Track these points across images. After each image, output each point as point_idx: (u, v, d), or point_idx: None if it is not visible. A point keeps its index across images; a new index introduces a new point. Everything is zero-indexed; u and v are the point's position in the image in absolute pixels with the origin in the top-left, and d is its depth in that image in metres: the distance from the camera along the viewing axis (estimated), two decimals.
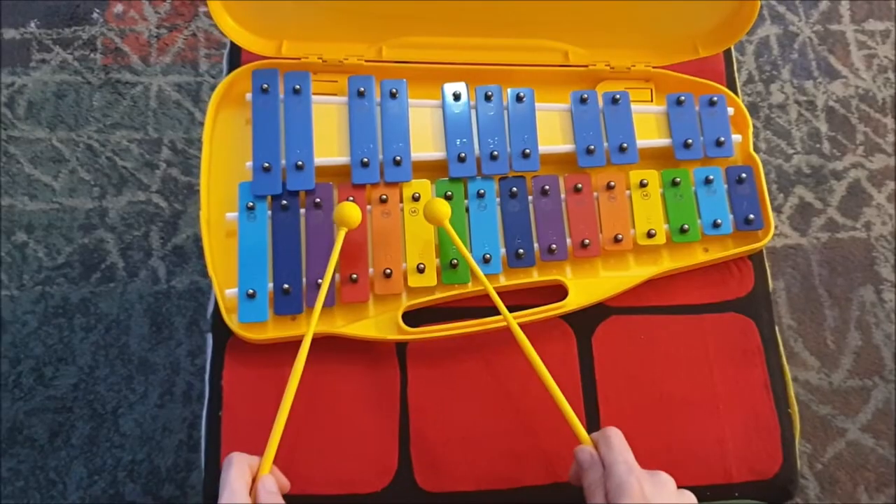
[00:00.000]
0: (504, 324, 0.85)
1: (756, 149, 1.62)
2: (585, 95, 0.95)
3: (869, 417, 1.46)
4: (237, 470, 0.69)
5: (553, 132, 0.95)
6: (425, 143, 0.94)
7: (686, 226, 0.90)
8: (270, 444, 0.72)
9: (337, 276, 0.87)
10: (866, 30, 1.78)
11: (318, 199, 0.89)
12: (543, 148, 0.94)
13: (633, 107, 0.96)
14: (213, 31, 1.74)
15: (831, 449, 1.44)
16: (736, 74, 1.03)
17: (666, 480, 0.70)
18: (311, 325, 0.78)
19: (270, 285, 0.86)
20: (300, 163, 0.89)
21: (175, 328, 1.48)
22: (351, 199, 0.89)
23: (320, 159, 0.91)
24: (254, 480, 0.70)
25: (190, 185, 1.59)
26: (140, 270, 1.53)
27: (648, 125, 0.96)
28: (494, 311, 0.86)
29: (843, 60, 1.76)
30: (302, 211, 0.89)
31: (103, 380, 1.45)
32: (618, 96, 0.95)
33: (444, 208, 0.85)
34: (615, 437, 0.73)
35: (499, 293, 0.88)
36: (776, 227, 1.59)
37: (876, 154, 1.67)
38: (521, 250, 0.89)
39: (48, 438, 1.41)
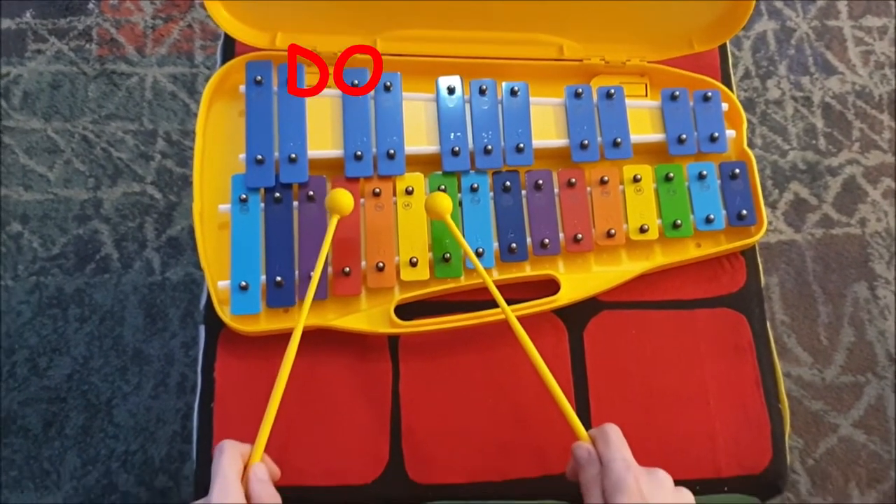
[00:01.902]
0: (496, 318, 0.86)
1: (752, 144, 1.63)
2: (580, 90, 0.95)
3: (861, 413, 1.47)
4: (229, 457, 0.69)
5: (547, 127, 0.95)
6: (419, 136, 0.93)
7: (679, 221, 0.90)
8: (262, 433, 0.72)
9: (329, 269, 0.87)
10: (863, 26, 1.78)
11: (311, 192, 0.89)
12: (537, 142, 0.94)
13: (628, 101, 0.96)
14: (209, 22, 1.74)
15: (823, 444, 1.45)
16: (731, 70, 1.03)
17: (664, 478, 0.70)
18: (303, 314, 0.78)
19: (263, 278, 0.86)
20: (293, 155, 0.89)
21: (169, 319, 1.49)
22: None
23: (314, 152, 0.91)
24: (245, 468, 0.70)
25: (185, 176, 1.59)
26: (134, 262, 1.53)
27: (642, 120, 0.96)
28: (486, 305, 0.87)
29: (840, 56, 1.76)
30: (295, 203, 0.89)
31: (97, 370, 1.45)
32: (612, 91, 0.95)
33: (445, 202, 0.85)
34: (613, 434, 0.73)
35: None
36: (771, 223, 1.59)
37: (872, 150, 1.67)
38: (513, 244, 0.89)
39: (42, 428, 1.42)
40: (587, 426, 0.81)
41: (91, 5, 1.76)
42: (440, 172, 0.92)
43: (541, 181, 0.91)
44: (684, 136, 0.94)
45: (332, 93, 0.94)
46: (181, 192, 1.58)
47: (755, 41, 1.76)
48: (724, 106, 0.96)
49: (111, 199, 1.58)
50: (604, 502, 0.69)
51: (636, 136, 0.94)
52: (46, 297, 1.50)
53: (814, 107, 1.70)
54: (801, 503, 1.40)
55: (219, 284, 0.86)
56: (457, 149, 0.91)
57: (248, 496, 0.68)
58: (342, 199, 0.84)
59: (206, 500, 0.66)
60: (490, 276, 0.88)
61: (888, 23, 1.79)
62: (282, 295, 0.86)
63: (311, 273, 0.85)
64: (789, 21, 1.78)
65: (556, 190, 0.92)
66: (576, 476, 0.75)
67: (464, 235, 0.89)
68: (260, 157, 0.89)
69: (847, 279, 1.56)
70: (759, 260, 0.94)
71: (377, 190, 0.90)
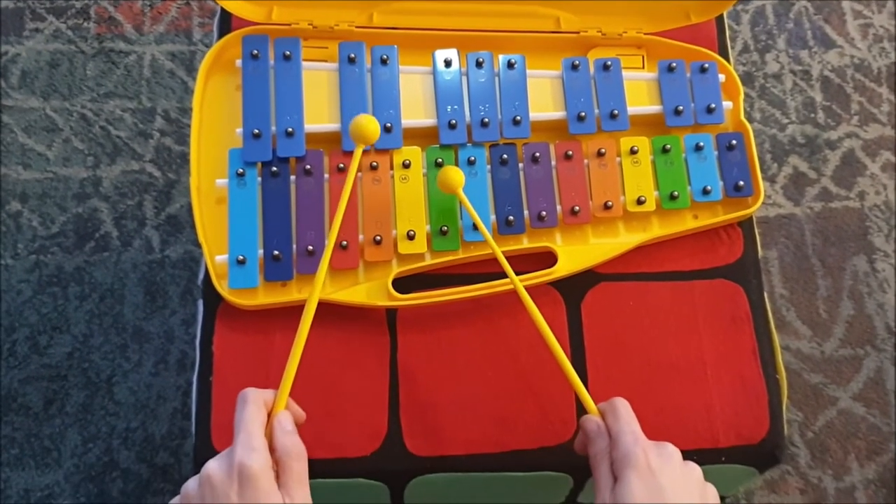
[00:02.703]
0: (494, 290, 0.86)
1: (751, 118, 1.63)
2: (577, 62, 0.95)
3: (860, 386, 1.47)
4: (253, 407, 0.67)
5: (544, 99, 0.95)
6: (416, 109, 0.93)
7: (676, 192, 0.90)
8: (286, 378, 0.71)
9: (326, 242, 0.87)
10: None
11: (308, 166, 0.89)
12: (534, 115, 0.94)
13: (625, 73, 0.95)
14: None
15: (822, 417, 1.45)
16: (728, 41, 1.03)
17: (672, 452, 0.70)
18: (322, 271, 0.77)
19: (260, 252, 0.86)
20: (290, 129, 0.89)
21: (169, 297, 1.49)
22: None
23: (310, 126, 0.91)
24: (269, 416, 0.69)
25: (183, 154, 1.59)
26: (134, 240, 1.53)
27: (639, 92, 0.96)
28: (484, 278, 0.87)
29: (838, 30, 1.75)
30: (292, 178, 0.89)
31: (98, 348, 1.45)
32: (609, 63, 0.95)
33: (458, 176, 0.84)
34: (622, 408, 0.73)
35: (488, 260, 0.88)
36: (769, 197, 1.59)
37: (870, 124, 1.66)
38: (511, 217, 0.89)
39: (43, 406, 1.42)
40: (604, 401, 0.81)
41: None
42: (437, 146, 0.92)
43: (538, 154, 0.91)
44: (681, 108, 0.93)
45: (328, 66, 0.94)
46: (180, 169, 1.58)
47: (754, 15, 1.76)
48: (721, 77, 0.96)
49: (110, 177, 1.58)
50: (612, 475, 0.69)
51: (633, 108, 0.94)
52: (46, 275, 1.50)
53: (812, 80, 1.70)
54: (800, 475, 1.41)
55: (216, 259, 0.86)
56: (454, 122, 0.91)
57: (272, 447, 0.66)
58: (369, 125, 0.82)
59: (229, 454, 0.65)
60: (487, 250, 0.89)
61: None
62: (279, 268, 0.86)
63: (309, 247, 0.85)
64: None
65: (553, 162, 0.92)
66: (584, 449, 0.75)
67: (461, 209, 0.89)
68: (257, 131, 0.89)
69: (846, 252, 1.56)
70: (757, 231, 0.94)
71: (374, 163, 0.90)
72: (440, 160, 0.90)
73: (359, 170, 0.90)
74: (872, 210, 1.59)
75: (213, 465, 0.64)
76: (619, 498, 0.67)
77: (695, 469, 0.70)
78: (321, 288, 0.76)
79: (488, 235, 0.83)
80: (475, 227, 0.87)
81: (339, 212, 0.79)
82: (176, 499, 0.66)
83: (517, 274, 0.86)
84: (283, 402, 0.70)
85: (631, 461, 0.68)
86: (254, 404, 0.68)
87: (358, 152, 0.83)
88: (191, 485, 0.65)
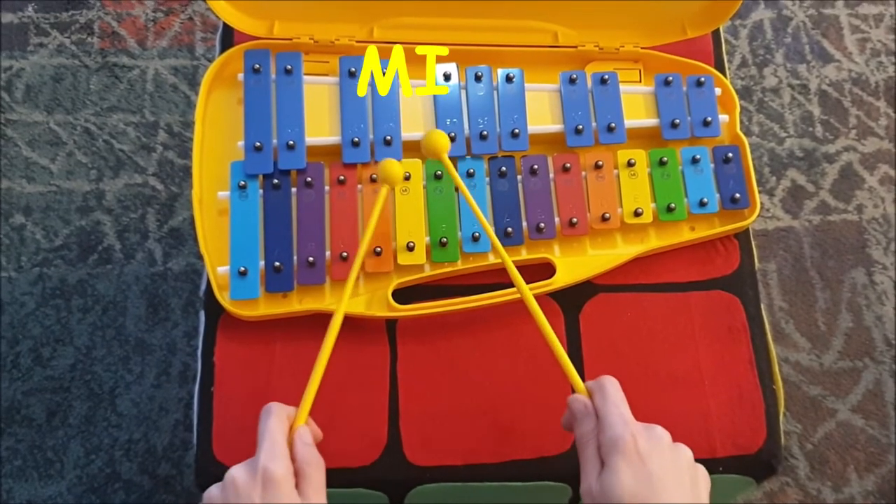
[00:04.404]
0: (492, 301, 0.87)
1: (749, 132, 1.64)
2: (574, 76, 0.96)
3: (859, 398, 1.47)
4: (276, 419, 0.70)
5: (542, 112, 0.96)
6: (416, 123, 0.94)
7: (673, 204, 0.91)
8: (307, 395, 0.73)
9: (327, 253, 0.88)
10: (860, 14, 1.79)
11: (309, 178, 0.90)
12: (532, 128, 0.94)
13: (622, 87, 0.96)
14: (210, 14, 1.75)
15: (821, 429, 1.45)
16: (724, 55, 1.04)
17: (661, 434, 0.68)
18: (350, 280, 0.77)
19: (262, 263, 0.87)
20: (291, 142, 0.90)
21: (171, 309, 1.50)
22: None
23: (311, 139, 0.92)
24: (290, 430, 0.71)
25: (186, 167, 1.60)
26: (137, 252, 1.54)
27: (636, 105, 0.97)
28: (483, 289, 0.88)
29: (836, 44, 1.76)
30: (293, 190, 0.90)
31: (100, 360, 1.46)
32: (606, 77, 0.96)
33: (443, 140, 0.84)
34: (611, 387, 0.71)
35: (487, 271, 0.89)
36: (768, 210, 1.60)
37: (868, 137, 1.67)
38: (509, 229, 0.90)
39: (46, 418, 1.43)
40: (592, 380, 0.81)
41: None
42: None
43: (536, 166, 0.92)
44: (678, 121, 0.94)
45: (329, 80, 0.95)
46: (182, 183, 1.59)
47: (752, 30, 1.77)
48: (718, 91, 0.97)
49: (113, 190, 1.59)
50: (599, 459, 0.67)
51: (630, 121, 0.95)
52: (49, 287, 1.51)
53: (810, 94, 1.71)
54: (799, 487, 1.41)
55: (218, 270, 0.87)
56: (453, 135, 0.92)
57: (293, 458, 0.68)
58: (393, 168, 0.83)
59: (254, 461, 0.67)
60: (486, 260, 0.90)
61: (884, 10, 1.79)
62: (280, 280, 0.87)
63: (310, 258, 0.86)
64: (786, 9, 1.79)
65: (551, 175, 0.93)
66: (570, 428, 0.73)
67: (460, 220, 0.90)
68: (258, 144, 0.90)
69: (844, 265, 1.57)
70: (754, 243, 0.95)
71: (374, 176, 0.91)
72: (439, 172, 0.91)
73: (359, 182, 0.91)
74: (871, 223, 1.60)
75: (237, 470, 0.67)
76: (605, 485, 0.65)
77: (684, 451, 0.68)
78: (347, 298, 0.78)
79: (495, 240, 0.82)
80: (475, 239, 0.88)
81: (371, 221, 0.81)
82: None
83: (513, 286, 0.87)
84: (303, 418, 0.73)
85: (619, 446, 0.65)
86: (277, 416, 0.70)
87: (383, 192, 0.84)
88: (214, 490, 0.67)
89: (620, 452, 0.65)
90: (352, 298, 0.87)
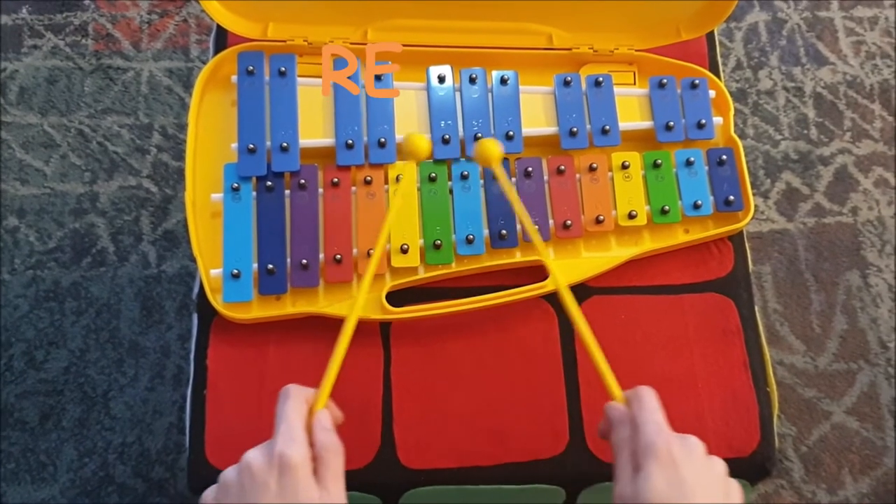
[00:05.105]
0: (486, 304, 0.87)
1: (744, 135, 1.64)
2: (569, 78, 0.96)
3: (854, 400, 1.47)
4: (294, 402, 0.69)
5: (536, 115, 0.96)
6: (410, 125, 0.94)
7: (667, 207, 0.91)
8: (327, 378, 0.72)
9: (321, 256, 0.88)
10: (854, 16, 1.79)
11: (302, 181, 0.90)
12: (527, 130, 0.94)
13: (616, 89, 0.96)
14: (204, 16, 1.74)
15: (816, 431, 1.45)
16: (718, 58, 1.04)
17: (695, 444, 0.68)
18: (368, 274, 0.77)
19: (255, 265, 0.87)
20: (285, 144, 0.90)
21: (165, 312, 1.49)
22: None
23: (305, 141, 0.92)
24: (309, 414, 0.70)
25: (180, 170, 1.60)
26: (131, 255, 1.53)
27: (631, 108, 0.97)
28: (477, 292, 0.88)
29: (831, 47, 1.77)
30: (287, 192, 0.90)
31: (94, 363, 1.46)
32: (601, 79, 0.96)
33: (494, 148, 0.83)
34: (648, 397, 0.71)
35: (481, 274, 0.89)
36: (763, 212, 1.60)
37: (863, 140, 1.68)
38: (504, 231, 0.90)
39: (39, 421, 1.42)
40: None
41: (87, 1, 1.76)
42: (431, 160, 0.92)
43: (530, 168, 0.92)
44: (672, 124, 0.94)
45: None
46: (177, 185, 1.59)
47: (747, 32, 1.77)
48: (712, 93, 0.97)
49: (107, 192, 1.58)
50: (633, 465, 0.68)
51: (624, 124, 0.95)
52: (43, 290, 1.50)
53: (805, 97, 1.71)
54: (794, 489, 1.41)
55: (211, 272, 0.87)
56: (447, 137, 0.92)
57: (311, 443, 0.67)
58: (419, 142, 0.83)
59: (270, 445, 0.66)
60: (480, 263, 0.89)
61: (879, 13, 1.79)
62: (273, 282, 0.87)
63: (303, 260, 0.86)
64: (780, 12, 1.79)
65: (545, 177, 0.93)
66: (606, 435, 0.74)
67: (454, 222, 0.90)
68: (252, 146, 0.90)
69: (839, 267, 1.57)
70: (748, 245, 0.95)
71: (368, 178, 0.90)
72: (434, 175, 0.91)
73: (353, 184, 0.91)
74: (865, 225, 1.60)
75: (253, 454, 0.65)
76: (639, 488, 0.65)
77: (718, 463, 0.69)
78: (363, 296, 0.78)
79: (534, 232, 0.82)
80: (469, 241, 0.88)
81: (388, 220, 0.81)
82: (212, 488, 0.67)
83: (510, 287, 0.87)
84: (323, 402, 0.71)
85: (653, 451, 0.66)
86: (295, 399, 0.69)
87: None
88: (229, 473, 0.66)
89: (655, 457, 0.66)
90: (346, 301, 0.87)
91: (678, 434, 0.69)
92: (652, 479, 0.65)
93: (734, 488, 0.68)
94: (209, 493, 0.67)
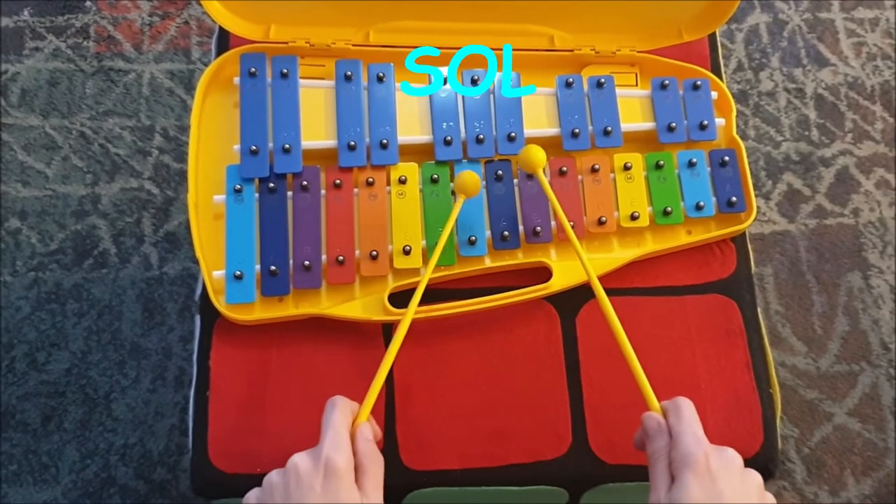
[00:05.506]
0: (488, 305, 0.87)
1: (745, 136, 1.64)
2: (571, 80, 0.96)
3: (856, 402, 1.47)
4: (341, 412, 0.72)
5: (538, 116, 0.96)
6: (412, 126, 0.94)
7: (669, 208, 0.91)
8: (371, 393, 0.75)
9: (324, 257, 0.88)
10: (855, 18, 1.79)
11: (305, 182, 0.90)
12: (529, 131, 0.94)
13: (618, 91, 0.96)
14: (206, 18, 1.75)
15: (818, 433, 1.45)
16: (721, 59, 1.04)
17: (733, 457, 0.68)
18: (427, 274, 0.78)
19: (257, 267, 0.87)
20: (287, 146, 0.90)
21: (167, 314, 1.49)
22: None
23: (308, 142, 0.92)
24: (352, 425, 0.73)
25: (182, 172, 1.60)
26: (132, 256, 1.54)
27: (633, 109, 0.97)
28: (479, 293, 0.88)
29: (832, 48, 1.77)
30: (289, 193, 0.90)
31: (96, 365, 1.46)
32: (603, 80, 0.96)
33: (540, 155, 0.87)
34: (686, 408, 0.72)
35: (483, 275, 0.89)
36: (764, 214, 1.60)
37: (864, 141, 1.68)
38: (506, 232, 0.90)
39: (41, 423, 1.42)
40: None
41: (88, 3, 1.77)
42: (433, 162, 0.92)
43: None
44: (674, 125, 0.94)
45: (325, 83, 0.95)
46: (178, 187, 1.59)
47: (748, 34, 1.77)
48: (714, 94, 0.97)
49: (109, 194, 1.58)
50: (669, 475, 0.68)
51: (626, 125, 0.95)
52: (45, 292, 1.51)
53: (806, 98, 1.71)
54: (796, 491, 1.41)
55: (214, 274, 0.87)
56: (449, 138, 0.92)
57: (354, 453, 0.70)
58: (470, 179, 0.86)
59: (317, 450, 0.68)
60: (482, 264, 0.89)
61: (879, 14, 1.79)
62: (276, 284, 0.87)
63: (306, 262, 0.86)
64: (781, 13, 1.79)
65: (547, 178, 0.92)
66: (642, 445, 0.74)
67: (456, 224, 0.90)
68: (254, 147, 0.90)
69: (841, 269, 1.57)
70: (750, 247, 0.95)
71: (371, 179, 0.90)
72: (436, 176, 0.91)
73: (355, 185, 0.91)
74: (867, 227, 1.60)
75: (300, 458, 0.68)
76: (674, 499, 0.66)
77: (755, 476, 0.69)
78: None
79: (570, 231, 0.85)
80: (471, 243, 0.88)
81: (447, 229, 0.84)
82: (255, 489, 0.70)
83: (513, 288, 0.87)
84: (365, 415, 0.74)
85: (690, 462, 0.66)
86: (342, 410, 0.72)
87: (459, 202, 0.87)
88: (274, 476, 0.69)
89: (691, 468, 0.66)
90: (348, 302, 0.87)
91: (716, 446, 0.69)
92: (689, 491, 0.65)
93: (770, 502, 0.69)
94: (252, 495, 0.70)
